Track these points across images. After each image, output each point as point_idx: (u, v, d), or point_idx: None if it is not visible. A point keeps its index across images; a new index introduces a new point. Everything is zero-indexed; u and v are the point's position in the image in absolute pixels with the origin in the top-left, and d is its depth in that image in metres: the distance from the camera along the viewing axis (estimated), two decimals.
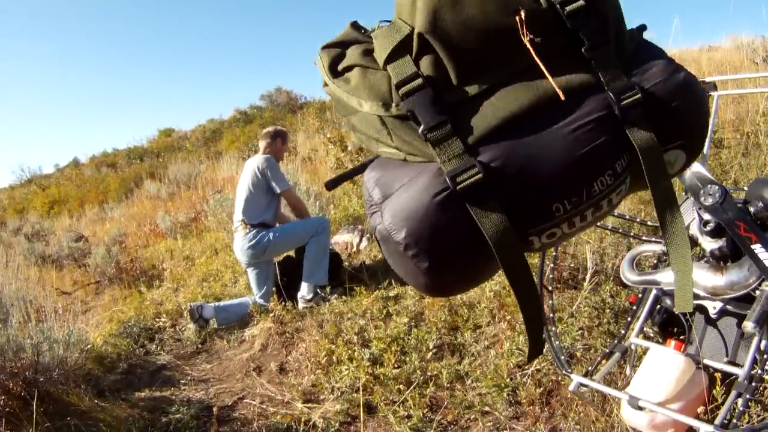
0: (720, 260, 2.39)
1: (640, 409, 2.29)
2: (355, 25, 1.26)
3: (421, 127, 1.06)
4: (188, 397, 4.28)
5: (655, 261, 2.95)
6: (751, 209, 2.39)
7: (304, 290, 5.50)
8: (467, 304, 4.50)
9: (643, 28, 1.23)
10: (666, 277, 2.50)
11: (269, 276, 5.76)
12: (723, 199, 2.20)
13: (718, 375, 2.39)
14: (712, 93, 3.03)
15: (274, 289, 5.77)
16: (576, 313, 3.84)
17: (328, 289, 5.45)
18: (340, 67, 1.20)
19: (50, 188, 22.69)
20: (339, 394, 3.78)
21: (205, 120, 27.39)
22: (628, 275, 2.66)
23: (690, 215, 2.52)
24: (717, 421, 2.11)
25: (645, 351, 2.65)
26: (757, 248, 2.10)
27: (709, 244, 2.42)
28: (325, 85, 1.23)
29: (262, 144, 6.14)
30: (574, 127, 1.07)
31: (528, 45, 1.05)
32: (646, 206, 5.11)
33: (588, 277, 4.03)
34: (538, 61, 1.05)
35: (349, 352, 4.12)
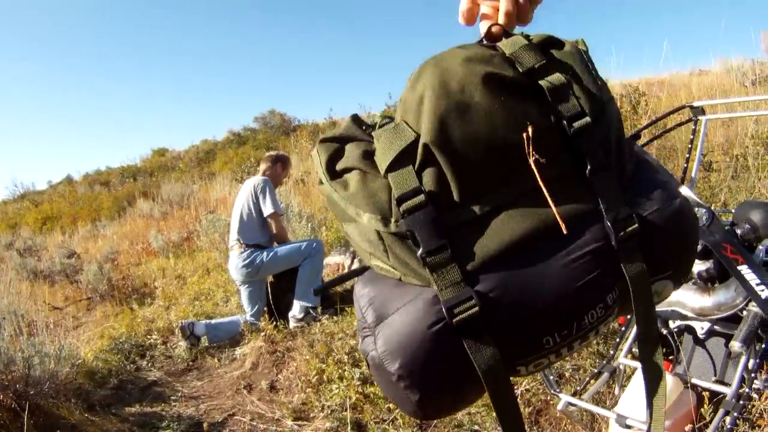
0: (707, 281, 2.42)
1: (628, 427, 2.30)
2: (356, 120, 1.22)
3: (420, 250, 1.02)
4: (179, 413, 4.28)
5: None
6: (738, 231, 2.42)
7: (296, 310, 5.52)
8: None
9: (636, 137, 1.22)
10: None
11: (261, 295, 5.79)
12: (710, 221, 2.23)
13: (706, 394, 2.41)
14: (700, 117, 3.07)
15: (265, 308, 5.79)
16: None
17: (319, 309, 5.45)
18: (338, 167, 1.14)
19: (43, 204, 22.67)
20: (329, 412, 3.79)
21: (198, 140, 27.45)
22: None
23: None
24: None
25: (633, 371, 2.67)
26: (744, 269, 2.12)
27: (697, 266, 2.45)
28: (321, 183, 1.17)
29: (262, 167, 6.18)
30: (571, 258, 1.05)
31: (533, 166, 1.02)
32: None
33: None
34: (543, 187, 1.03)
35: (340, 371, 4.12)
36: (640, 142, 3.49)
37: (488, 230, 1.04)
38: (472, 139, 1.03)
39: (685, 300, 2.36)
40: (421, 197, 1.02)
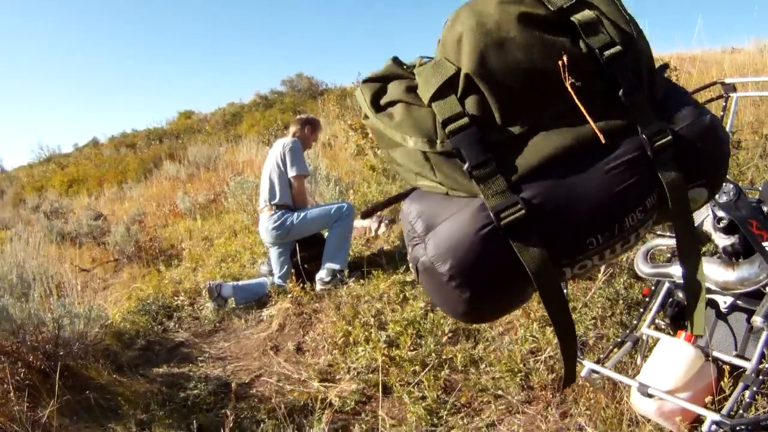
0: (732, 256, 2.44)
1: (650, 396, 2.34)
2: (396, 61, 1.30)
3: (467, 164, 1.10)
4: (206, 374, 4.33)
5: (669, 255, 2.99)
6: (765, 208, 2.44)
7: (323, 273, 5.53)
8: None
9: (665, 67, 1.29)
10: (679, 270, 2.54)
11: (289, 258, 5.80)
12: (737, 197, 2.25)
13: (726, 367, 2.43)
14: (731, 94, 3.08)
15: (293, 270, 5.80)
16: (590, 303, 3.89)
17: (346, 272, 5.48)
18: (382, 102, 1.22)
19: (69, 167, 22.62)
20: (355, 374, 3.83)
21: (225, 103, 27.24)
22: (642, 267, 2.71)
23: (704, 211, 2.56)
24: (724, 411, 2.17)
25: (656, 342, 2.69)
26: None
27: (722, 241, 2.46)
28: (366, 117, 1.26)
29: (291, 129, 6.18)
30: (610, 167, 1.13)
31: (569, 88, 1.10)
32: None
33: (602, 268, 4.07)
34: (580, 105, 1.11)
35: (366, 333, 4.16)
36: None
37: (529, 146, 1.13)
38: (511, 68, 1.11)
39: (709, 273, 2.38)
40: (465, 119, 1.10)
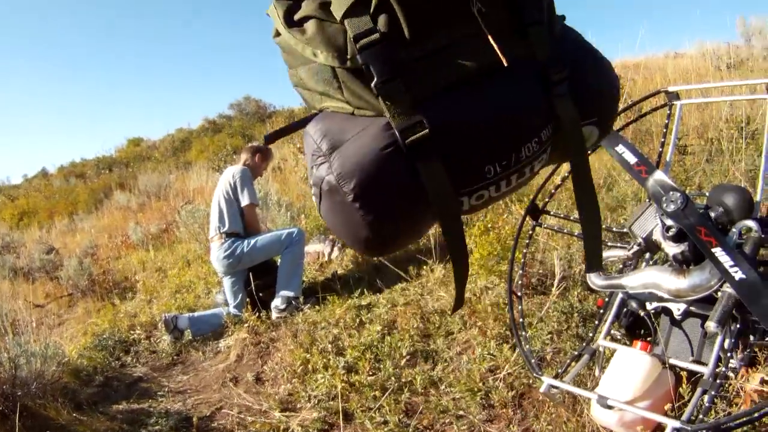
0: (682, 264, 2.47)
1: (610, 408, 2.36)
2: None
3: (374, 80, 1.09)
4: (166, 409, 4.28)
5: (621, 266, 3.03)
6: (712, 214, 2.47)
7: (278, 301, 5.51)
8: (439, 311, 4.58)
9: (563, 17, 1.33)
10: (632, 281, 2.56)
11: (243, 286, 5.79)
12: (685, 205, 2.28)
13: (684, 374, 2.46)
14: (675, 102, 3.12)
15: (248, 299, 5.77)
16: (545, 317, 3.92)
17: (301, 299, 5.47)
18: (296, 17, 1.20)
19: (19, 199, 22.39)
20: (316, 402, 3.80)
21: (173, 129, 27.26)
22: (595, 280, 2.73)
23: (653, 221, 2.60)
24: (684, 418, 2.19)
25: (613, 353, 2.71)
26: (718, 252, 2.18)
27: (672, 249, 2.49)
28: (277, 34, 1.25)
29: (242, 157, 6.20)
30: (509, 94, 1.17)
31: (476, 14, 1.11)
32: (611, 213, 5.20)
33: (556, 282, 4.10)
34: (485, 30, 1.12)
35: (324, 360, 4.15)
36: (616, 126, 3.55)
37: (435, 67, 1.13)
38: None
39: (662, 282, 2.41)
40: (376, 35, 1.09)
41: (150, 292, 7.62)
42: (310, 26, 1.17)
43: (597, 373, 2.93)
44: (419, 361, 3.96)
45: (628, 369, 2.48)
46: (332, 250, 6.86)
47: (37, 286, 9.92)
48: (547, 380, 2.66)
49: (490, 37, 1.12)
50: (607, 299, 2.99)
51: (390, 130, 1.11)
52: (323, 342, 4.43)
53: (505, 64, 1.13)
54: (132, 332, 6.01)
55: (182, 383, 4.81)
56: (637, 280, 2.54)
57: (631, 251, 2.77)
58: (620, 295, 2.87)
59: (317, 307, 5.30)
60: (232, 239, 5.67)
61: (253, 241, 5.67)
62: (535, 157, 1.23)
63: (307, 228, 7.49)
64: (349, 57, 1.12)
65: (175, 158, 21.41)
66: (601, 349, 2.85)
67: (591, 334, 2.96)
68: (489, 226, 4.79)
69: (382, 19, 1.10)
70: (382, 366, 3.88)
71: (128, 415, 4.27)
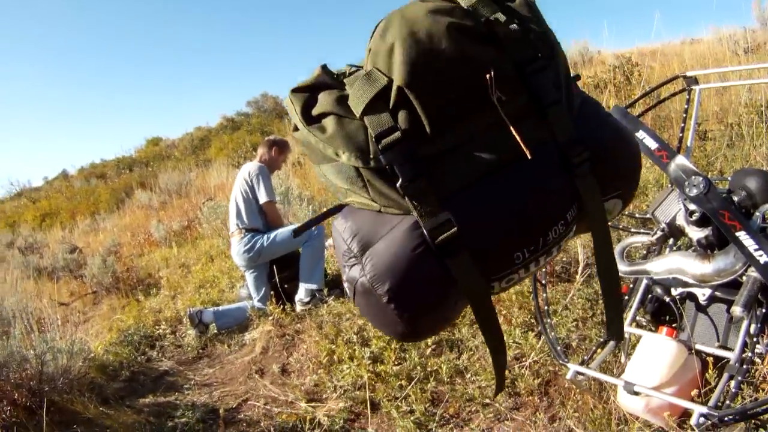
0: (707, 248, 2.46)
1: (636, 394, 2.35)
2: (325, 69, 1.27)
3: (399, 181, 1.09)
4: (193, 401, 4.31)
5: (645, 252, 3.02)
6: (735, 198, 2.46)
7: (301, 293, 5.53)
8: None
9: (577, 77, 1.32)
10: (656, 267, 2.55)
11: (266, 280, 5.80)
12: (707, 189, 2.26)
13: (710, 359, 2.45)
14: (693, 87, 3.11)
15: (272, 292, 5.76)
16: (570, 305, 3.91)
17: (325, 291, 5.49)
18: (314, 113, 1.19)
19: (41, 201, 22.56)
20: (342, 392, 3.82)
21: (192, 128, 27.32)
22: (619, 266, 2.72)
23: (676, 206, 2.59)
24: (710, 403, 2.18)
25: (638, 339, 2.70)
26: (742, 235, 2.16)
27: (696, 234, 2.48)
28: (296, 129, 1.24)
29: (259, 151, 6.20)
30: (534, 182, 1.16)
31: (496, 103, 1.11)
32: (634, 199, 5.17)
33: (580, 270, 4.09)
34: (506, 120, 1.12)
35: (350, 351, 4.14)
36: (635, 112, 3.54)
37: (459, 161, 1.13)
38: (441, 81, 1.10)
39: (686, 267, 2.40)
40: (398, 134, 1.09)
41: (174, 287, 7.68)
42: (330, 124, 1.16)
43: (623, 359, 2.92)
44: (445, 350, 3.96)
45: (654, 355, 2.47)
46: None
47: (61, 285, 10.00)
48: (573, 367, 2.66)
49: (513, 129, 1.12)
50: (631, 285, 2.98)
51: (418, 229, 1.11)
52: (348, 333, 4.43)
53: (529, 157, 1.13)
54: (157, 327, 6.06)
55: (208, 376, 4.84)
56: (661, 266, 2.53)
57: (655, 237, 2.75)
58: (645, 281, 2.87)
59: (341, 298, 5.31)
60: (252, 234, 5.68)
61: (272, 235, 5.68)
62: (562, 237, 1.24)
63: (328, 222, 7.48)
64: (372, 157, 1.12)
65: (194, 156, 21.45)
66: (626, 335, 2.85)
67: None
68: None
69: (402, 116, 1.11)
70: (407, 356, 3.88)
71: (155, 408, 4.30)
